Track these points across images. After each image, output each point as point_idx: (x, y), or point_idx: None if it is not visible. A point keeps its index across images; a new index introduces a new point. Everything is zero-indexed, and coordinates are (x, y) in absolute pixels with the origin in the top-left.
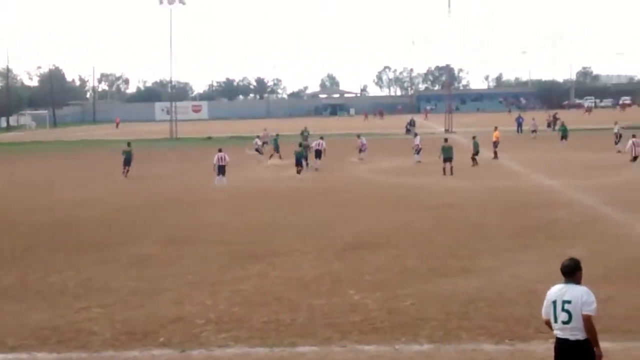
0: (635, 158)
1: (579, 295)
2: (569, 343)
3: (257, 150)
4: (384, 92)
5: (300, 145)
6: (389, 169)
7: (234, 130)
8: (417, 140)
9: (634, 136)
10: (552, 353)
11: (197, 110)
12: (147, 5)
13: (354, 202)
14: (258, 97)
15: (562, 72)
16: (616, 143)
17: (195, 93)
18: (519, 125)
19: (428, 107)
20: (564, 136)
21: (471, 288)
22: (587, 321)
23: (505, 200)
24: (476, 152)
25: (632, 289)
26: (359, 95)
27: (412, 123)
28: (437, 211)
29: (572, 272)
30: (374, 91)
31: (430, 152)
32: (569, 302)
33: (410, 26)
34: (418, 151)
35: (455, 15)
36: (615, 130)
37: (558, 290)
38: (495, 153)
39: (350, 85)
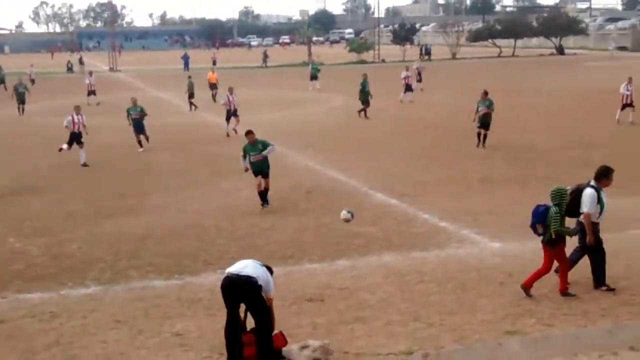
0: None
1: None
2: None
3: None
4: (42, 28)
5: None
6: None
7: None
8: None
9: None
10: (219, 284)
11: None
12: None
13: (12, 145)
14: None
15: (225, 11)
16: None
17: None
18: (186, 63)
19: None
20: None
21: (140, 227)
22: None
23: (174, 138)
24: (191, 94)
25: (293, 217)
26: (14, 31)
27: (81, 61)
28: (102, 152)
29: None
30: (31, 27)
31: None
32: None
33: None
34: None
35: None
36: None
37: None
38: (214, 95)
39: (3, 21)
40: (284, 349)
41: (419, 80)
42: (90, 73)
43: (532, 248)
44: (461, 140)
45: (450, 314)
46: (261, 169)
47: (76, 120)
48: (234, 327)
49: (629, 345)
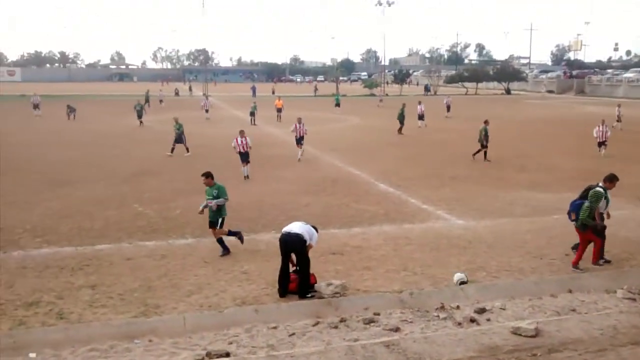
0: (600, 143)
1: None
2: None
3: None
4: (159, 65)
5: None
6: (169, 120)
7: (43, 91)
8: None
9: (603, 122)
10: (276, 242)
11: (11, 74)
12: None
13: (137, 143)
14: (61, 65)
15: (281, 57)
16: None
17: (9, 61)
18: (254, 92)
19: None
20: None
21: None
22: None
23: None
24: (252, 113)
25: (323, 198)
26: (140, 67)
27: (190, 89)
28: (200, 148)
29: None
30: (150, 65)
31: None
32: None
33: (174, 14)
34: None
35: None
36: (444, 101)
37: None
38: (279, 116)
39: (133, 59)
40: (315, 285)
41: (448, 111)
42: (207, 97)
43: (485, 225)
44: (438, 150)
45: (428, 266)
46: (211, 216)
47: (239, 142)
48: (285, 268)
49: (550, 293)
